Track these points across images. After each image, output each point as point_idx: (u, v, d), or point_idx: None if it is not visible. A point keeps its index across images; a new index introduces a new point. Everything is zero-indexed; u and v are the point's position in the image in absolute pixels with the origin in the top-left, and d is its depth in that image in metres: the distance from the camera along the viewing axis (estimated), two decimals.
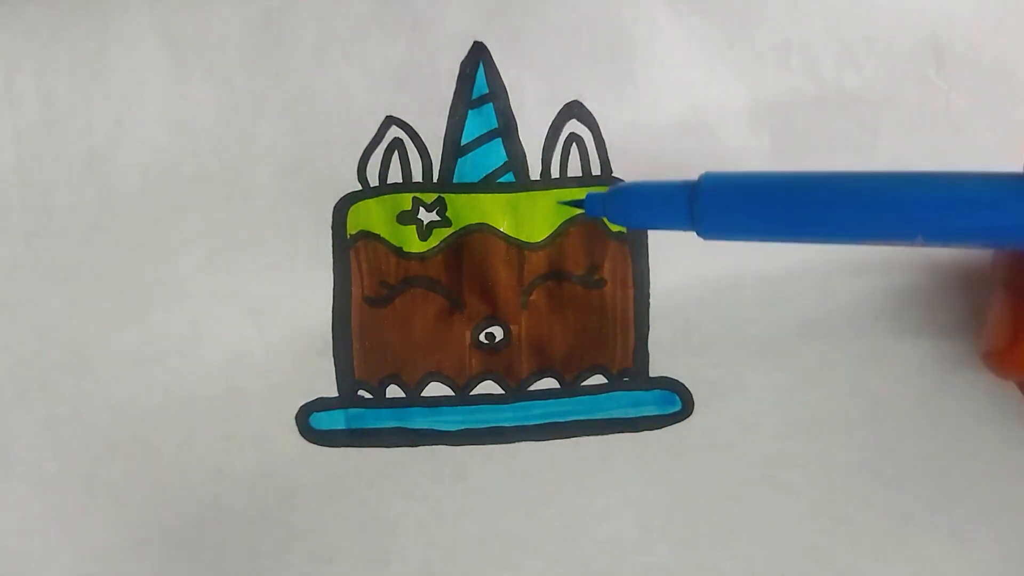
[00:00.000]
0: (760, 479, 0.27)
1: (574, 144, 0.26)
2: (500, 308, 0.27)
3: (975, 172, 0.18)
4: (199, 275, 0.27)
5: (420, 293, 0.27)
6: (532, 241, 0.27)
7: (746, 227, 0.21)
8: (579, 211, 0.27)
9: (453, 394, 0.27)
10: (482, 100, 0.26)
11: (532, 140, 0.27)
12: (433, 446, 0.27)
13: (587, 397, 0.27)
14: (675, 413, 0.27)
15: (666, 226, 0.22)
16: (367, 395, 0.27)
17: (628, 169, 0.27)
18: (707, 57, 0.26)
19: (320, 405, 0.27)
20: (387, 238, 0.27)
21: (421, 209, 0.27)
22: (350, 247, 0.27)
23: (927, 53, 0.26)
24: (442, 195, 0.27)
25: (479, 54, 0.26)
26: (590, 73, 0.26)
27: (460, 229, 0.27)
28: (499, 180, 0.27)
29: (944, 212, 0.18)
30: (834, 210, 0.19)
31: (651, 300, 0.27)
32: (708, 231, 0.21)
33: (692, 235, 0.26)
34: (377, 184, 0.27)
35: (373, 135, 0.27)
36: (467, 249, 0.27)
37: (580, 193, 0.26)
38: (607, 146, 0.26)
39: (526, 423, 0.27)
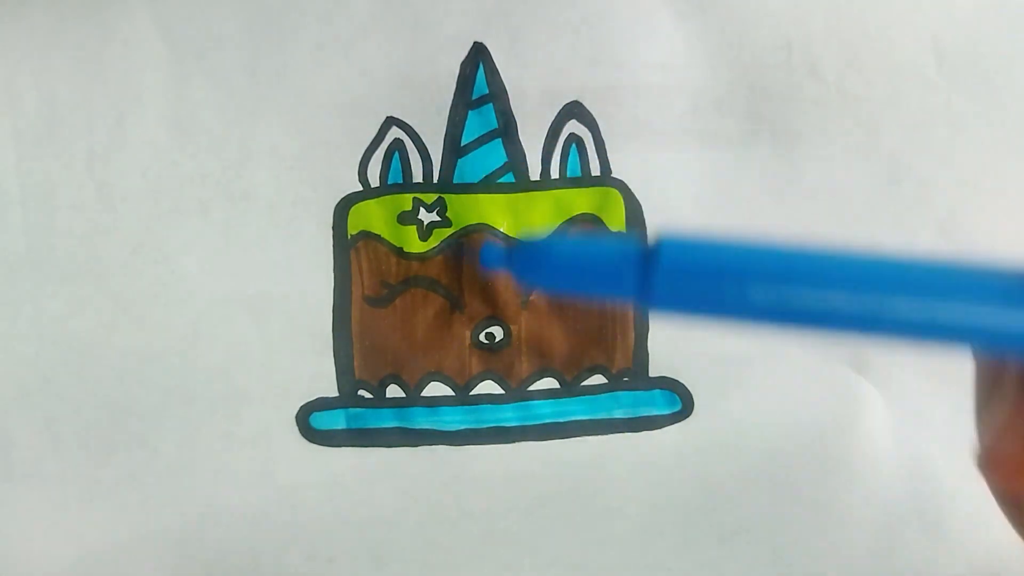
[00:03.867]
0: (760, 479, 0.27)
1: (574, 144, 0.26)
2: (500, 308, 0.27)
3: (965, 265, 0.13)
4: (199, 275, 0.27)
5: (420, 293, 0.27)
6: None
7: (706, 307, 0.14)
8: (580, 211, 0.27)
9: (453, 394, 0.27)
10: (482, 100, 0.26)
11: (532, 140, 0.27)
12: (433, 446, 0.27)
13: (587, 397, 0.27)
14: (675, 413, 0.27)
15: (600, 295, 0.15)
16: (367, 395, 0.27)
17: (628, 169, 0.27)
18: (707, 57, 0.26)
19: (320, 405, 0.27)
20: (388, 238, 0.27)
21: (421, 209, 0.27)
22: (351, 247, 0.27)
23: (927, 53, 0.26)
24: (442, 195, 0.27)
25: (479, 55, 0.26)
26: (590, 73, 0.26)
27: (460, 229, 0.27)
28: (499, 180, 0.27)
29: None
30: (820, 301, 0.13)
31: None
32: (664, 306, 0.14)
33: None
34: (378, 185, 0.27)
35: (374, 136, 0.26)
36: (467, 249, 0.27)
37: (577, 195, 0.27)
38: (607, 146, 0.26)
39: (526, 423, 0.27)
